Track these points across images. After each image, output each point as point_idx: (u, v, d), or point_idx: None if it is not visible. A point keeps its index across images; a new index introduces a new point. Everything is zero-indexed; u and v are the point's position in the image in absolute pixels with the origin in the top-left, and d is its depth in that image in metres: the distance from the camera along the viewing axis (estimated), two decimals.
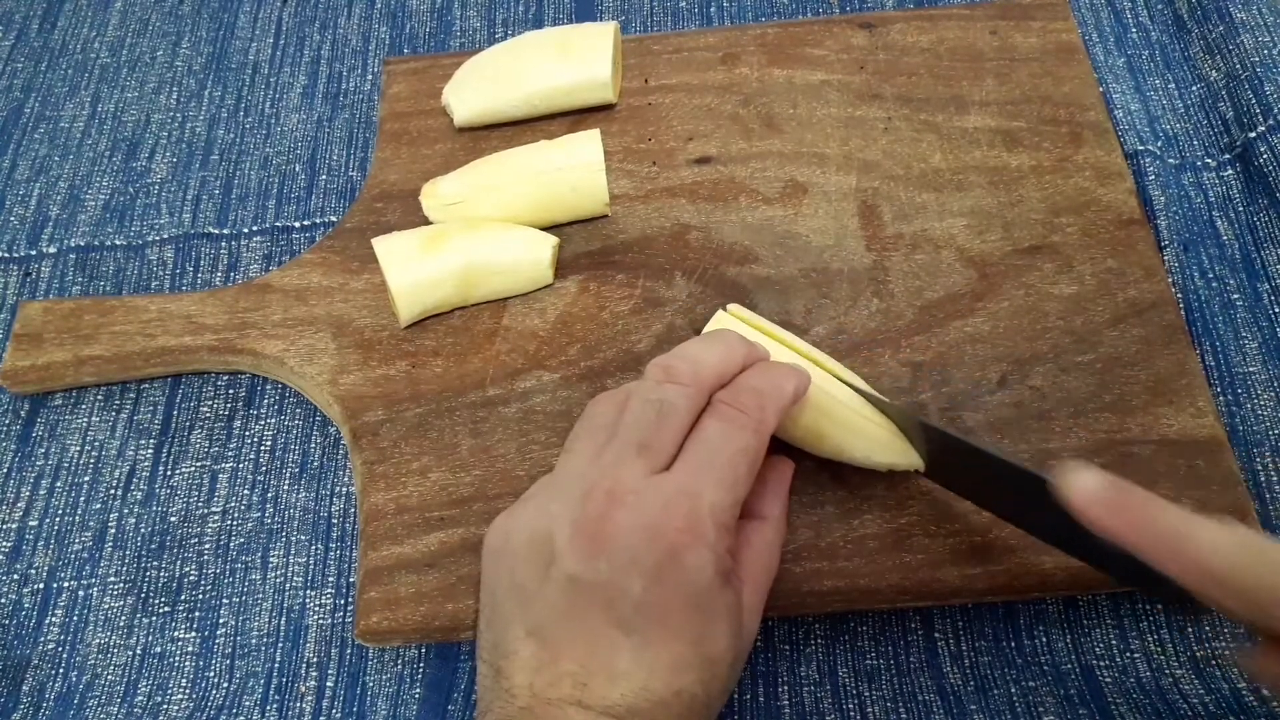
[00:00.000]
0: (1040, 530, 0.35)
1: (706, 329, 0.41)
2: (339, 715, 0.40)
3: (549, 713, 0.30)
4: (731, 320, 0.42)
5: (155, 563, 0.44)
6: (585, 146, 0.45)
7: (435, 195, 0.46)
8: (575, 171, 0.45)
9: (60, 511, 0.46)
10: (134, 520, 0.45)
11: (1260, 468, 0.42)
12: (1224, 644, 0.39)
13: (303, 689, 0.41)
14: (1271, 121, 0.48)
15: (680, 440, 0.33)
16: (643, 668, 0.30)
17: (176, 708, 0.41)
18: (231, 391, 0.48)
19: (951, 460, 0.37)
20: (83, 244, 0.53)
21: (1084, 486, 0.29)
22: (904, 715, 0.38)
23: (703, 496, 0.31)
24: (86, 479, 0.46)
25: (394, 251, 0.44)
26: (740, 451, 0.33)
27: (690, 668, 0.30)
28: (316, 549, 0.44)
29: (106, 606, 0.43)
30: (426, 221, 0.47)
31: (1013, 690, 0.39)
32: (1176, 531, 0.27)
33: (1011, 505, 0.36)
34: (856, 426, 0.38)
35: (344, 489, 0.45)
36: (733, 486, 0.32)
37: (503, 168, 0.46)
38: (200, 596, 0.43)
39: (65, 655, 0.43)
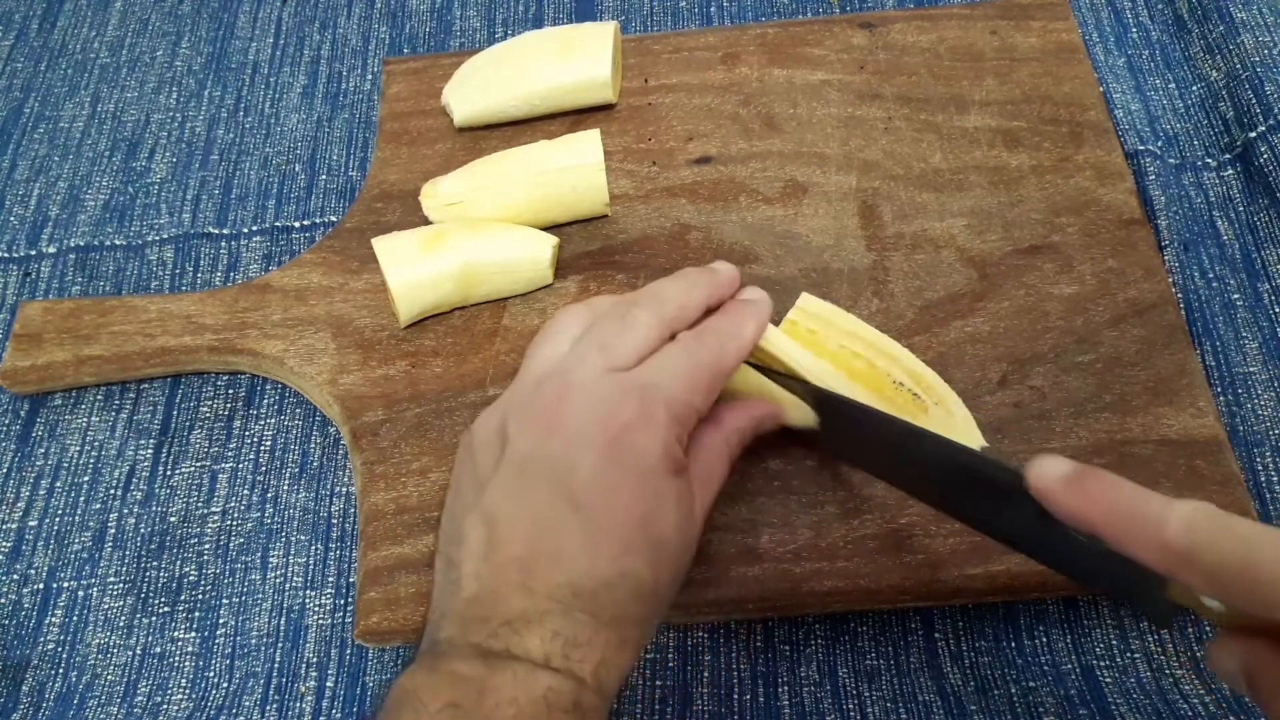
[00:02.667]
0: (969, 517, 0.35)
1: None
2: (339, 715, 0.40)
3: (494, 600, 0.30)
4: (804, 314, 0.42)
5: (155, 563, 0.44)
6: (585, 146, 0.45)
7: (435, 195, 0.46)
8: (575, 171, 0.45)
9: (60, 511, 0.46)
10: (134, 520, 0.45)
11: (1260, 468, 0.42)
12: None
13: (302, 689, 0.41)
14: (1272, 121, 0.48)
15: (641, 355, 0.34)
16: (589, 547, 0.30)
17: (176, 708, 0.41)
18: (231, 392, 0.48)
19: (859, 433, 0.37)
20: (82, 244, 0.53)
21: (1046, 472, 0.28)
22: (904, 715, 0.38)
23: (658, 388, 0.32)
24: (86, 479, 0.46)
25: (393, 251, 0.44)
26: (698, 366, 0.34)
27: (636, 549, 0.31)
28: (316, 549, 0.44)
29: (106, 606, 0.43)
30: (427, 221, 0.47)
31: (1013, 690, 0.39)
32: (1140, 510, 0.26)
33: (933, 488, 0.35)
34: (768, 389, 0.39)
35: (344, 489, 0.45)
36: (690, 388, 0.33)
37: (502, 168, 0.46)
38: (200, 596, 0.43)
39: (65, 655, 0.43)
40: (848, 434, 0.38)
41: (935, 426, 0.38)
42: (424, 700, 0.29)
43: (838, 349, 0.41)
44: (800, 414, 0.38)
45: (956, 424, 0.40)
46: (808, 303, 0.43)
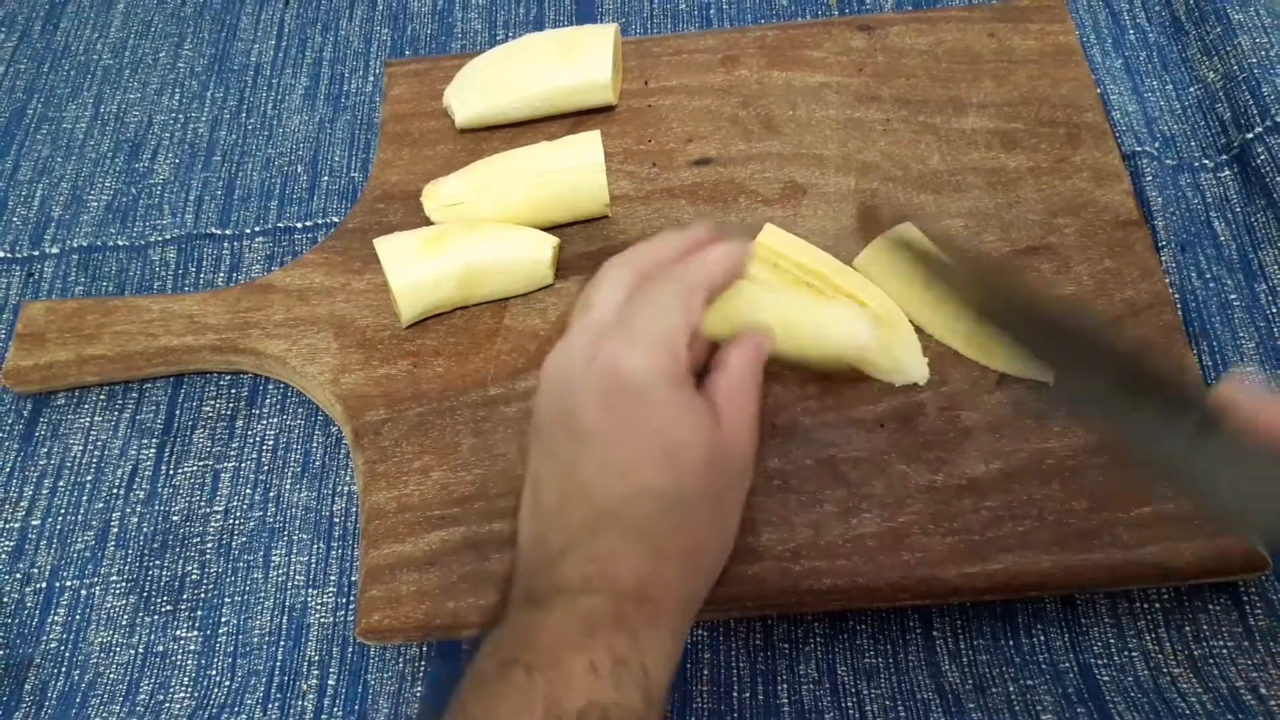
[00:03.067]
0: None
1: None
2: (341, 713, 0.41)
3: (539, 548, 0.33)
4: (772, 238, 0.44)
5: (157, 562, 0.44)
6: (585, 147, 0.46)
7: (437, 197, 0.46)
8: (576, 172, 0.45)
9: (63, 511, 0.46)
10: (136, 519, 0.45)
11: None
12: (1222, 643, 0.39)
13: (304, 687, 0.41)
14: (1269, 122, 0.48)
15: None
16: (602, 471, 0.33)
17: (178, 706, 0.41)
18: (234, 391, 0.48)
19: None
20: (85, 244, 0.53)
21: (1241, 390, 0.28)
22: (902, 713, 0.38)
23: (636, 318, 0.35)
24: (89, 478, 0.47)
25: (395, 252, 0.44)
26: (672, 290, 0.36)
27: (648, 461, 0.33)
28: (318, 548, 0.44)
29: (109, 605, 0.44)
30: (428, 222, 0.47)
31: (1011, 689, 0.39)
32: None
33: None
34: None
35: (345, 488, 0.45)
36: (664, 313, 0.35)
37: (504, 169, 0.46)
38: (202, 595, 0.43)
39: (68, 654, 0.43)
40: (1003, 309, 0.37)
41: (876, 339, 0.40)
42: (482, 661, 0.30)
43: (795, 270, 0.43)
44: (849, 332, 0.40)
45: (900, 337, 0.42)
46: (769, 235, 0.44)
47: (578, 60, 0.49)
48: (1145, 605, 0.40)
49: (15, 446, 0.48)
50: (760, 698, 0.39)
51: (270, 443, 0.47)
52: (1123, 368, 0.32)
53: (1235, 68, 0.50)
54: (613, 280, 0.37)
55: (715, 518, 0.35)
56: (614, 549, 0.31)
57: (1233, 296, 0.46)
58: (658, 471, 0.32)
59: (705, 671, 0.40)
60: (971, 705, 0.38)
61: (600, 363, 0.34)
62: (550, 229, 0.47)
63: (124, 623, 0.43)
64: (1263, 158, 0.48)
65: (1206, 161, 0.50)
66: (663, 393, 0.33)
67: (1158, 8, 0.55)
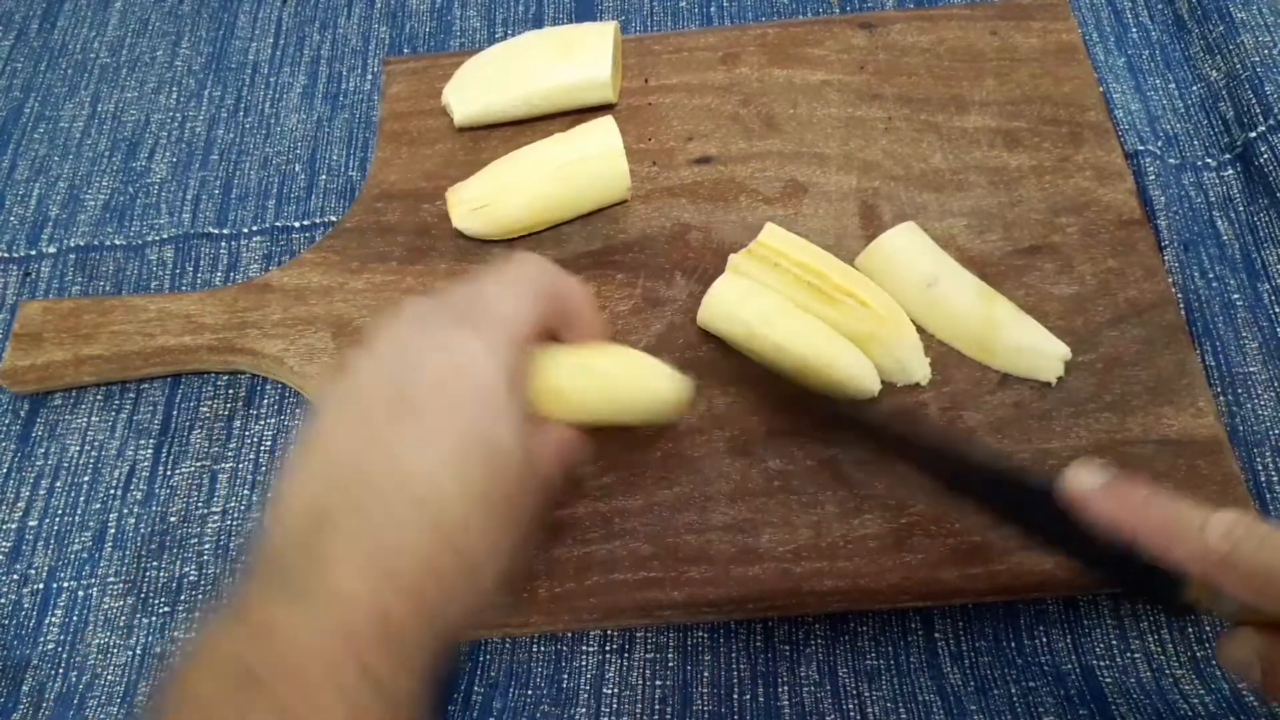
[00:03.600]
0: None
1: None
2: None
3: (306, 530, 0.28)
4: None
5: (155, 563, 0.44)
6: (603, 135, 0.45)
7: (461, 202, 0.46)
8: (596, 160, 0.45)
9: (60, 511, 0.46)
10: (134, 520, 0.45)
11: (1260, 468, 0.42)
12: None
13: None
14: (1272, 121, 0.48)
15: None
16: (422, 452, 0.29)
17: None
18: (231, 391, 0.48)
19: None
20: (82, 244, 0.53)
21: (1083, 481, 0.29)
22: (904, 715, 0.38)
23: (486, 306, 0.33)
24: (86, 479, 0.46)
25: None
26: (520, 283, 0.34)
27: (477, 457, 0.30)
28: None
29: (106, 606, 0.43)
30: (427, 222, 0.47)
31: (1013, 690, 0.39)
32: (1180, 520, 0.28)
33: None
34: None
35: None
36: (515, 300, 0.33)
37: (523, 165, 0.46)
38: (200, 597, 0.43)
39: (65, 655, 0.43)
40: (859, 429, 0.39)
41: (878, 339, 0.40)
42: (203, 660, 0.26)
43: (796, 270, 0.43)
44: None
45: (902, 337, 0.42)
46: (770, 234, 0.44)
47: (577, 58, 0.49)
48: (1147, 606, 0.40)
49: (12, 447, 0.47)
50: (761, 700, 0.39)
51: (268, 443, 0.46)
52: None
53: (1238, 66, 0.50)
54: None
55: (507, 536, 0.31)
56: (408, 542, 0.28)
57: (1236, 296, 0.46)
58: (480, 469, 0.30)
59: (705, 674, 0.40)
60: (973, 707, 0.38)
61: (448, 341, 0.31)
62: (574, 220, 0.47)
63: (121, 624, 0.43)
64: (1266, 156, 0.47)
65: (1209, 160, 0.50)
66: (504, 392, 0.31)
67: (1160, 6, 0.55)
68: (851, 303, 0.41)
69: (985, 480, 0.34)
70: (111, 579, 0.44)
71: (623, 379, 0.37)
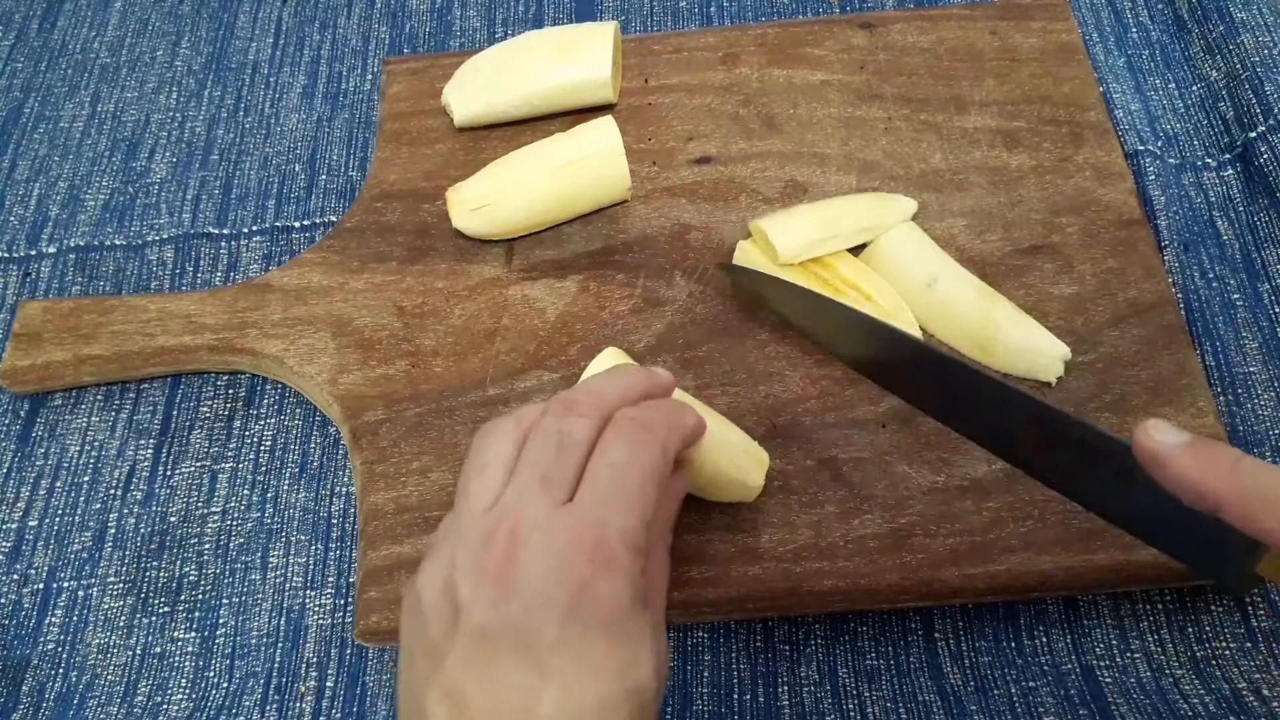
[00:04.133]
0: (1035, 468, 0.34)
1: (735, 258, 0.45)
2: (339, 715, 0.40)
3: None
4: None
5: (155, 563, 0.44)
6: (603, 134, 0.45)
7: (461, 202, 0.46)
8: (596, 160, 0.45)
9: (60, 511, 0.46)
10: (134, 520, 0.45)
11: None
12: (1224, 644, 0.39)
13: (302, 689, 0.41)
14: (1272, 121, 0.48)
15: (582, 469, 0.31)
16: (566, 714, 0.27)
17: (176, 708, 0.41)
18: (231, 391, 0.48)
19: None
20: (82, 244, 0.53)
21: (1163, 438, 0.27)
22: (904, 715, 0.38)
23: (610, 523, 0.29)
24: (86, 479, 0.46)
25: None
26: (647, 470, 0.31)
27: (618, 705, 0.28)
28: (316, 549, 0.44)
29: (106, 606, 0.43)
30: (426, 221, 0.47)
31: (1013, 690, 0.39)
32: (1274, 484, 0.26)
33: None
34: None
35: (344, 489, 0.45)
36: (642, 509, 0.30)
37: (523, 164, 0.46)
38: (200, 597, 0.43)
39: (65, 655, 0.43)
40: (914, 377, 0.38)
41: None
42: None
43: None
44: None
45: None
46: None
47: (577, 58, 0.49)
48: (1148, 606, 0.40)
49: (12, 447, 0.47)
50: (761, 700, 0.39)
51: (268, 443, 0.46)
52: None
53: (1238, 66, 0.50)
54: (583, 438, 0.31)
55: None
56: None
57: (1236, 296, 0.46)
58: (624, 716, 0.28)
59: (705, 674, 0.40)
60: (973, 707, 0.38)
61: (572, 583, 0.28)
62: (574, 220, 0.47)
63: (121, 624, 0.43)
64: (1266, 156, 0.47)
65: (1209, 160, 0.50)
66: (633, 624, 0.29)
67: (1160, 6, 0.55)
68: (856, 295, 0.42)
69: (1049, 428, 0.32)
70: (111, 579, 0.44)
71: (722, 464, 0.38)
